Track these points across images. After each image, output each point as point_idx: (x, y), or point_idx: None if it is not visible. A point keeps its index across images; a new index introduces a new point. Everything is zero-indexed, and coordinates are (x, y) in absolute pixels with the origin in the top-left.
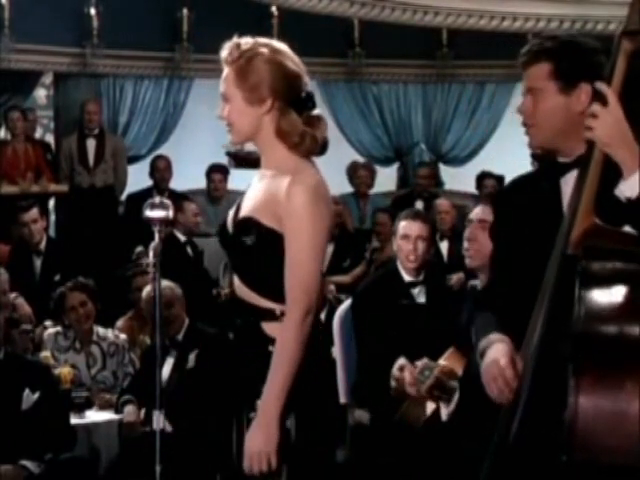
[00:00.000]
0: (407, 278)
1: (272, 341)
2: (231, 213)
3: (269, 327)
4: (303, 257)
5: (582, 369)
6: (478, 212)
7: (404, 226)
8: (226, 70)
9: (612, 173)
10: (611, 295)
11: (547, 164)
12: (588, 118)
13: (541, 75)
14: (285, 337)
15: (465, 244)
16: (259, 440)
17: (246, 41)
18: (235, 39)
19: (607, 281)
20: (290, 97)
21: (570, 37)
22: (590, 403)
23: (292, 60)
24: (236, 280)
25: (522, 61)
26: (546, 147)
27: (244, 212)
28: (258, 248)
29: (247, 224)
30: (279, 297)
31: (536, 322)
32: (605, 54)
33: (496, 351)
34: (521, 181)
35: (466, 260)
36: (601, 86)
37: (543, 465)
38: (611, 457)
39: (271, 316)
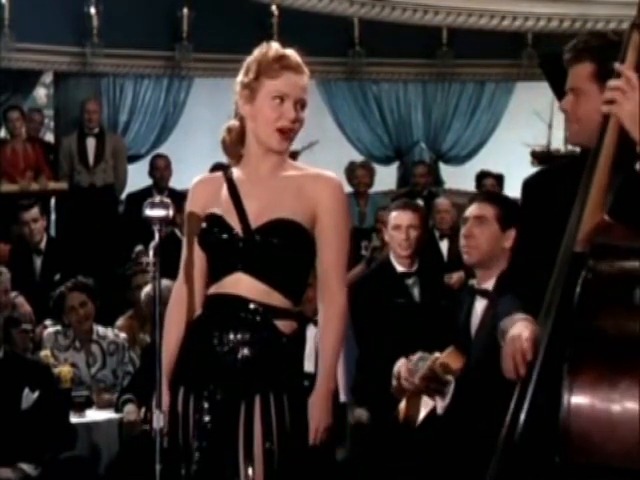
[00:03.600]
0: (400, 269)
1: (285, 336)
2: (225, 215)
3: (281, 324)
4: (343, 246)
5: (578, 368)
6: (473, 209)
7: (395, 216)
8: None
9: (621, 169)
10: (611, 295)
11: (582, 157)
12: (614, 92)
13: (584, 76)
14: (334, 324)
15: (462, 241)
16: (325, 415)
17: None
18: None
19: (608, 281)
20: None
21: (618, 36)
22: (583, 403)
23: None
24: (245, 279)
25: (566, 58)
26: (585, 145)
27: (275, 214)
28: (295, 250)
29: (283, 225)
30: (293, 297)
31: (546, 320)
32: None
33: (519, 327)
34: (552, 171)
35: (464, 256)
36: (620, 67)
37: (548, 463)
38: (608, 459)
39: (286, 315)
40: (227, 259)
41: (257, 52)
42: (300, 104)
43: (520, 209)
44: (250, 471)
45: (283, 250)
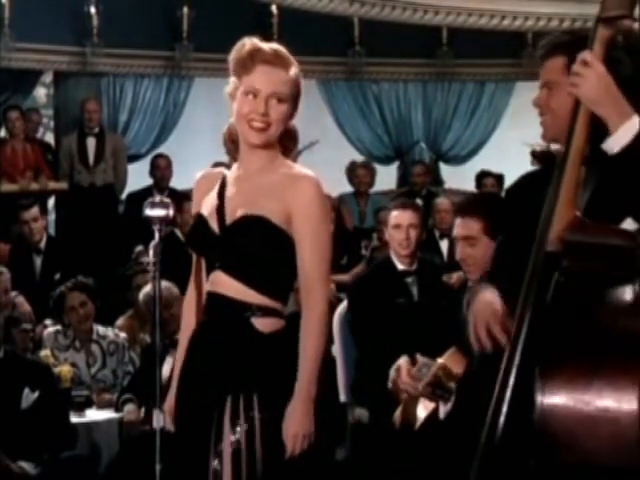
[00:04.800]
0: (400, 267)
1: (263, 335)
2: (208, 212)
3: (260, 323)
4: (320, 249)
5: (550, 369)
6: (459, 229)
7: (395, 216)
8: (283, 73)
9: (594, 164)
10: (583, 295)
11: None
12: (572, 76)
13: (556, 69)
14: (313, 326)
15: (460, 262)
16: (303, 423)
17: None
18: None
19: (580, 281)
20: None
21: (587, 31)
22: (558, 404)
23: None
24: (223, 277)
25: (539, 54)
26: (559, 139)
27: (246, 210)
28: (266, 247)
29: (254, 222)
30: (275, 294)
31: (521, 321)
32: (624, 49)
33: (490, 293)
34: (529, 178)
35: (465, 274)
36: (582, 53)
37: (528, 465)
38: (585, 458)
39: (265, 312)
40: (208, 257)
41: (234, 50)
42: (276, 98)
43: (504, 218)
44: (216, 468)
45: (252, 247)
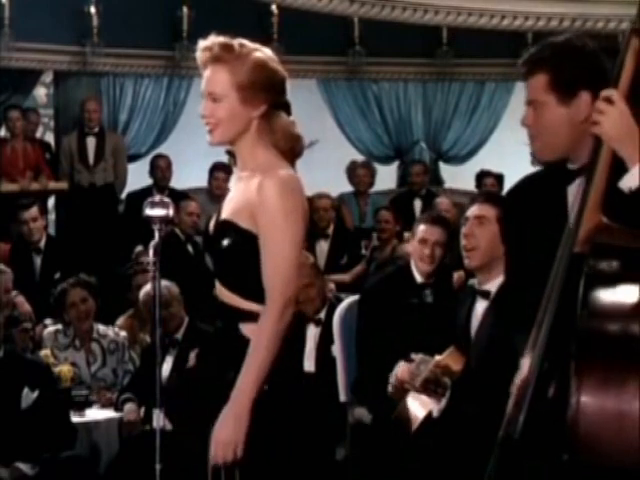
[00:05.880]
0: (419, 279)
1: (248, 341)
2: (214, 217)
3: (248, 329)
4: (279, 250)
5: (585, 369)
6: (474, 209)
7: (423, 230)
8: (220, 70)
9: (621, 171)
10: (616, 294)
11: (555, 168)
12: (595, 113)
13: (539, 87)
14: (263, 328)
15: (462, 241)
16: (229, 430)
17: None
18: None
19: (612, 280)
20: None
21: (567, 42)
22: (592, 403)
23: (279, 64)
24: (217, 283)
25: (522, 72)
26: (552, 158)
27: (223, 215)
28: (236, 251)
29: (225, 227)
30: (260, 299)
31: (543, 320)
32: (606, 53)
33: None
34: (529, 182)
35: (465, 261)
36: (605, 90)
37: (548, 462)
38: (615, 459)
39: (251, 318)
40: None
41: None
42: (210, 98)
43: (504, 224)
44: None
45: (226, 252)
